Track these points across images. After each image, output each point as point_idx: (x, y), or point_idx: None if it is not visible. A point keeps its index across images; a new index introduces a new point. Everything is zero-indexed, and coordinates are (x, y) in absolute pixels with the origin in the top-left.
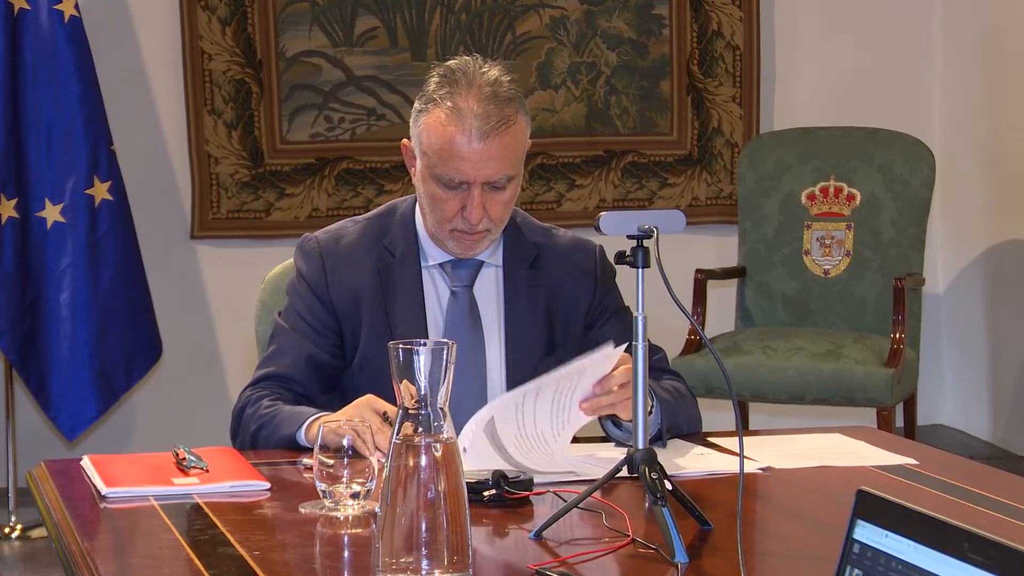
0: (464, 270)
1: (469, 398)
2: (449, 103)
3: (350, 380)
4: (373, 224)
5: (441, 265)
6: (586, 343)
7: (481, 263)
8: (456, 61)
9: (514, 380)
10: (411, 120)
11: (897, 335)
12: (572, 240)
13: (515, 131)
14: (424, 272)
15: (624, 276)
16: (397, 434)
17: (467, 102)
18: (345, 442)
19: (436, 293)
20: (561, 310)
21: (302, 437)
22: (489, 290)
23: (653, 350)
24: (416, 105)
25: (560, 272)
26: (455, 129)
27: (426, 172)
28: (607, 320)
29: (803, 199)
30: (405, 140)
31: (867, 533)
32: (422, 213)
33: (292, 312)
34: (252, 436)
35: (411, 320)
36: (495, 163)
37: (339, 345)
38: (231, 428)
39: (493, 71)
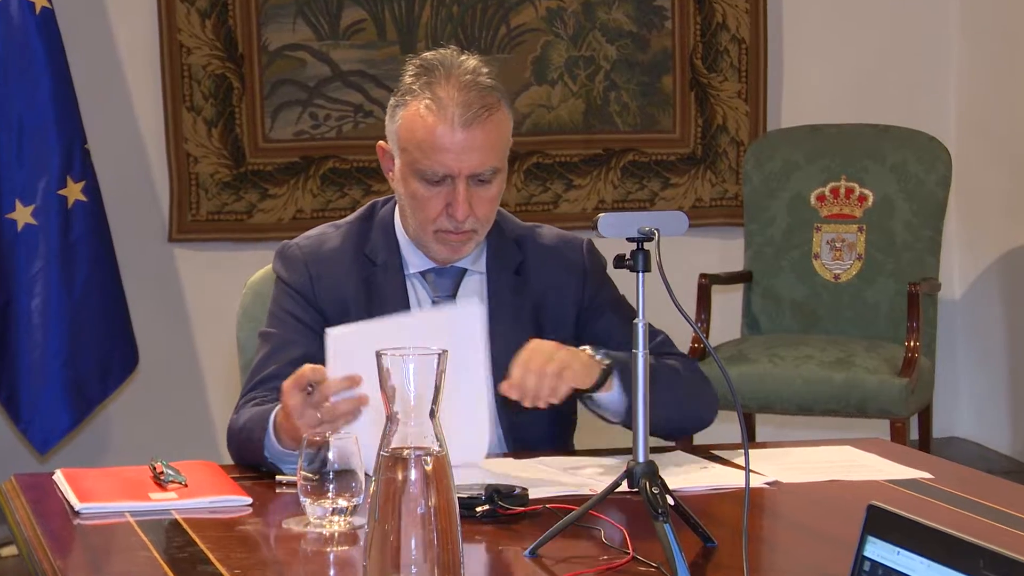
0: (446, 279)
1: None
2: (428, 94)
3: None
4: (354, 229)
5: (423, 274)
6: (580, 343)
7: (464, 271)
8: (431, 53)
9: (498, 391)
10: (387, 118)
11: (911, 343)
12: (557, 237)
13: (498, 119)
14: (405, 281)
15: (624, 281)
16: (385, 446)
17: (447, 91)
18: (331, 455)
19: (418, 303)
20: (549, 315)
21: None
22: (473, 298)
23: (651, 334)
24: (392, 101)
25: (546, 275)
26: (436, 119)
27: (407, 170)
28: (602, 314)
29: (812, 200)
30: (381, 142)
31: (878, 550)
32: (402, 217)
33: (279, 316)
34: (244, 451)
35: None
36: (479, 154)
37: None
38: (233, 457)
39: (471, 60)
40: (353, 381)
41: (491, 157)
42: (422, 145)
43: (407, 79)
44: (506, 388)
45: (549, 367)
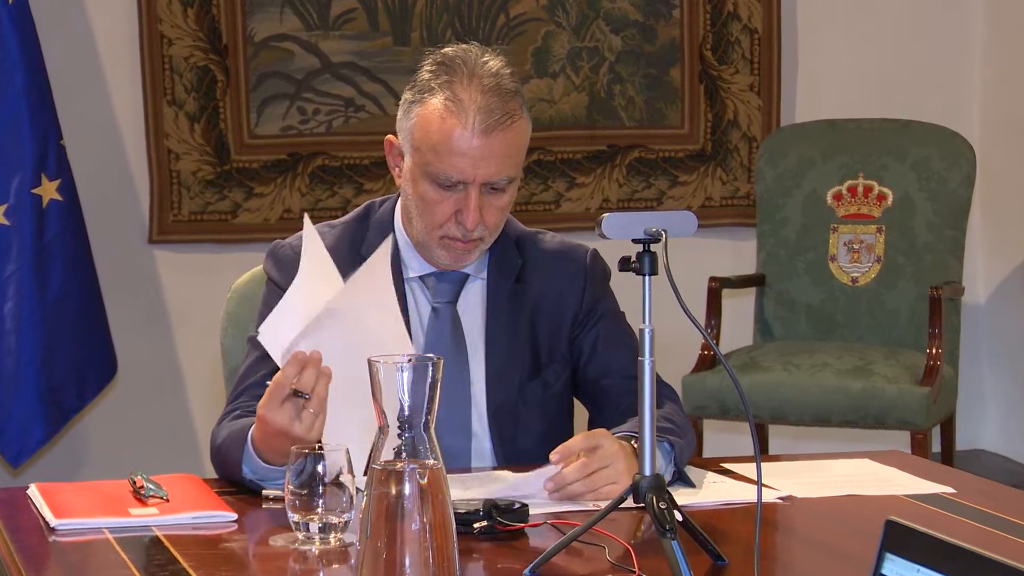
0: (446, 285)
1: (453, 423)
2: (448, 92)
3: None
4: (349, 230)
5: (422, 279)
6: (572, 351)
7: (465, 276)
8: (452, 49)
9: (495, 404)
10: (400, 113)
11: (933, 350)
12: (560, 246)
13: (519, 127)
14: (404, 286)
15: (629, 284)
16: (377, 459)
17: (469, 92)
18: (320, 468)
19: (417, 309)
20: (545, 328)
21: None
22: (474, 306)
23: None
24: (407, 96)
25: (545, 285)
26: (455, 122)
27: (417, 171)
28: (594, 323)
29: (828, 199)
30: (391, 136)
31: (896, 568)
32: (404, 218)
33: None
34: (224, 470)
35: None
36: (497, 162)
37: None
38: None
39: (494, 61)
40: (300, 361)
41: (508, 166)
42: (437, 147)
43: (425, 74)
44: (552, 484)
45: (604, 488)
